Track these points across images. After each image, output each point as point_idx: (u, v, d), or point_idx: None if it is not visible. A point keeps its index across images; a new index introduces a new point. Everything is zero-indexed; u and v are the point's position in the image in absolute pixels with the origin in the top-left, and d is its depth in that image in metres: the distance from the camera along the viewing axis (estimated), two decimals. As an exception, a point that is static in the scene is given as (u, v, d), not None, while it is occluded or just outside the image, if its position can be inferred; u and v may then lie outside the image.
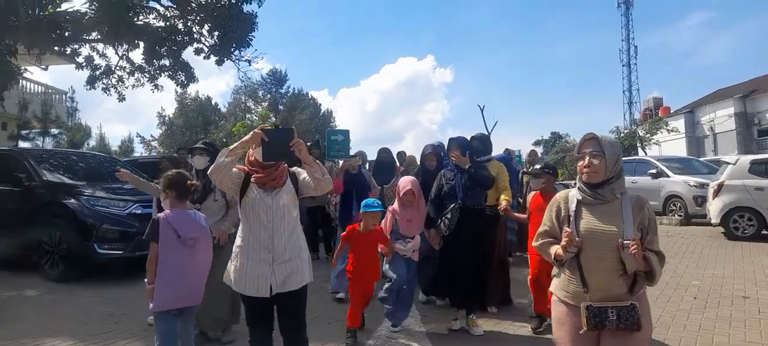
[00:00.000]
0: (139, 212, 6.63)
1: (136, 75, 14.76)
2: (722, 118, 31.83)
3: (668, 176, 12.69)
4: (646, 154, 26.28)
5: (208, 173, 2.88)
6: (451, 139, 4.96)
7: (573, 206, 2.32)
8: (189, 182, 3.27)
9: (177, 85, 15.21)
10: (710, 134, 32.60)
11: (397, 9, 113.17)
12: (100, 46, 14.04)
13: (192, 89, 43.83)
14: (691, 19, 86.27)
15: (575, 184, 2.42)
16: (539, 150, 39.19)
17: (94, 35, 13.26)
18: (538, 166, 4.79)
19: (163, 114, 46.14)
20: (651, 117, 36.44)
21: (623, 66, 47.43)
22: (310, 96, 51.06)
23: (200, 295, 3.22)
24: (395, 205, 4.79)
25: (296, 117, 44.84)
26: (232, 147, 2.84)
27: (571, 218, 2.30)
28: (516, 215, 5.12)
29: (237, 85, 46.66)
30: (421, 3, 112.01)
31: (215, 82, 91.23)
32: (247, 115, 45.04)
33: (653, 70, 79.21)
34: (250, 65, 14.47)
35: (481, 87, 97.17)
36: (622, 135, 32.03)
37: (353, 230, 4.42)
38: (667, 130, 28.99)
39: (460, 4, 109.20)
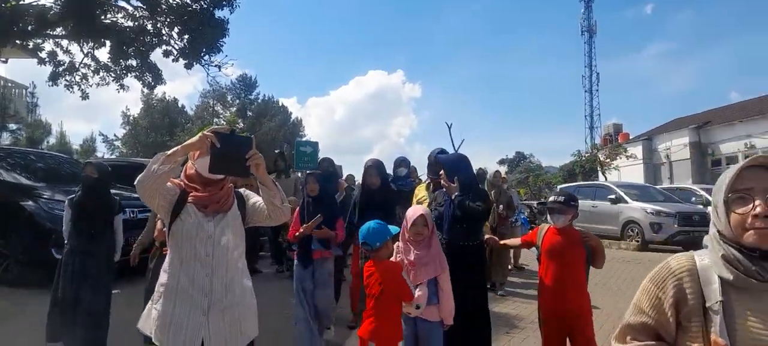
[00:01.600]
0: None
1: (101, 73, 14.46)
2: (678, 146, 32.99)
3: (626, 202, 13.08)
4: (606, 178, 27.04)
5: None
6: (438, 155, 4.22)
7: (716, 292, 1.29)
8: None
9: (144, 87, 14.99)
10: (666, 162, 33.74)
11: (369, 22, 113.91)
12: (64, 43, 13.71)
13: (159, 90, 42.97)
14: (651, 49, 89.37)
15: (706, 244, 1.43)
16: (503, 169, 39.79)
17: (58, 31, 12.95)
18: (560, 197, 3.64)
19: (128, 114, 45.08)
20: (611, 142, 37.54)
21: (586, 92, 48.70)
22: (280, 103, 50.75)
23: None
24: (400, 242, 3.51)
25: (265, 124, 44.47)
26: (170, 152, 2.14)
27: (717, 316, 1.26)
28: (506, 242, 4.40)
29: (205, 89, 46.07)
30: (392, 18, 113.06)
31: (182, 84, 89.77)
32: (215, 119, 44.40)
33: (613, 96, 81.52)
34: (219, 70, 14.37)
35: (449, 104, 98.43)
36: (583, 158, 32.91)
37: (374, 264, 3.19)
38: (626, 156, 29.89)
39: (430, 22, 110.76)
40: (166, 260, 2.34)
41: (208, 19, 12.98)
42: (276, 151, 7.84)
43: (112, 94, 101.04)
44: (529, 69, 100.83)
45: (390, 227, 3.22)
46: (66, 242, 4.18)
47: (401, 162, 6.04)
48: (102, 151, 42.92)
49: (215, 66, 14.24)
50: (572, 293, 3.47)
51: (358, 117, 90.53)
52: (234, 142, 2.15)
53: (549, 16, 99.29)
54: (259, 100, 50.15)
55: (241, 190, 2.53)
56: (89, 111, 79.16)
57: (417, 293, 3.18)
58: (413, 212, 3.46)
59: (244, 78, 49.24)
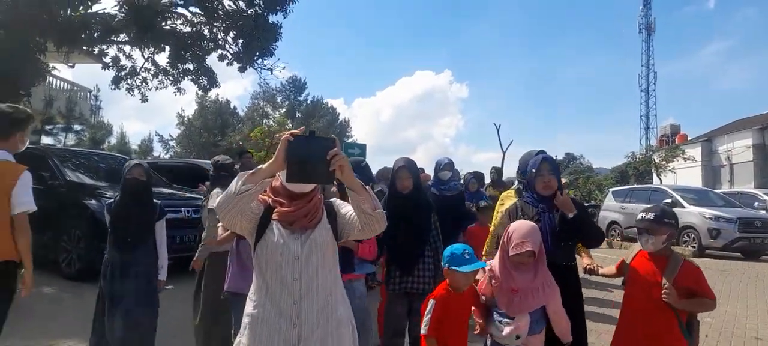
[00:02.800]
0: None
1: (159, 77, 15.09)
2: (740, 148, 31.50)
3: (683, 207, 12.66)
4: (660, 181, 26.08)
5: (216, 206, 2.00)
6: (538, 154, 3.42)
7: None
8: None
9: (199, 89, 15.54)
10: (727, 164, 32.27)
11: (416, 23, 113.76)
12: (126, 48, 14.42)
13: (212, 92, 44.41)
14: (711, 47, 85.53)
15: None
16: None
17: (121, 37, 13.63)
18: (650, 214, 2.88)
19: (183, 115, 46.74)
20: (667, 144, 36.18)
21: (642, 91, 47.13)
22: (328, 104, 51.48)
23: None
24: (495, 261, 2.98)
25: (313, 125, 45.20)
26: (255, 171, 1.90)
27: None
28: (602, 269, 3.27)
29: (256, 90, 47.30)
30: (439, 18, 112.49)
31: (234, 85, 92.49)
32: (265, 120, 45.46)
33: (670, 97, 78.73)
34: (271, 73, 14.73)
35: (497, 104, 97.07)
36: (637, 160, 31.86)
37: (446, 291, 2.85)
38: (684, 159, 28.74)
39: (478, 20, 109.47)
40: (252, 286, 2.10)
41: (262, 24, 13.34)
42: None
43: (166, 96, 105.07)
44: (580, 67, 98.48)
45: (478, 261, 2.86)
46: (105, 253, 3.78)
47: (445, 165, 5.61)
48: (158, 151, 44.71)
49: (267, 69, 14.62)
50: (658, 341, 2.79)
51: (404, 118, 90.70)
52: (314, 144, 1.86)
53: (602, 13, 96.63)
54: (308, 102, 51.03)
55: (332, 200, 2.24)
56: (146, 112, 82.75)
57: (508, 328, 2.78)
58: (522, 228, 2.85)
59: (293, 80, 50.21)
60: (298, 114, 49.04)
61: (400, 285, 3.85)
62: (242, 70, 15.12)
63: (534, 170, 3.25)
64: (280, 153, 1.84)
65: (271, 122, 45.39)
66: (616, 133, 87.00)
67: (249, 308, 2.05)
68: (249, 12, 13.88)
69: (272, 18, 13.79)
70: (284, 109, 49.09)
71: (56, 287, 6.48)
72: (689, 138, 36.43)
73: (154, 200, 3.95)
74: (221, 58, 14.86)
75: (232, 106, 49.93)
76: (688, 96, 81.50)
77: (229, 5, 13.97)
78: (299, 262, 1.99)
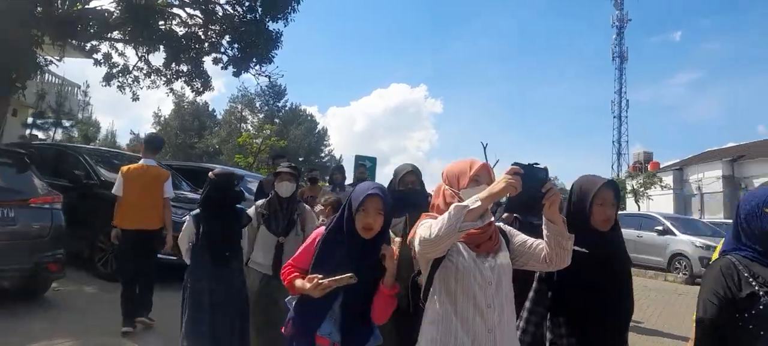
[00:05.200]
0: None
1: (152, 77, 14.75)
2: (710, 179, 32.53)
3: (674, 235, 12.96)
4: (639, 207, 26.72)
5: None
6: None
7: None
8: None
9: (192, 92, 15.23)
10: (698, 194, 33.25)
11: (394, 36, 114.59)
12: (119, 46, 14.05)
13: (190, 93, 43.65)
14: (679, 78, 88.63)
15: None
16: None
17: (116, 34, 13.25)
18: None
19: (160, 114, 45.82)
20: (640, 170, 37.15)
21: (614, 117, 48.42)
22: (306, 112, 51.18)
23: None
24: None
25: (291, 132, 44.82)
26: (474, 205, 1.70)
27: None
28: None
29: (233, 94, 46.67)
30: (417, 32, 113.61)
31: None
32: (242, 125, 44.92)
33: (641, 124, 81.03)
34: (269, 80, 14.50)
35: (471, 122, 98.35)
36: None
37: None
38: (661, 186, 29.54)
39: (456, 39, 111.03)
40: (429, 311, 1.93)
41: (263, 30, 13.16)
42: (334, 166, 7.88)
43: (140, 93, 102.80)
44: (555, 90, 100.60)
45: None
46: (188, 274, 3.64)
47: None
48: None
49: (265, 76, 14.41)
50: None
51: (378, 129, 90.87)
52: (532, 176, 1.76)
53: (577, 41, 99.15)
54: (287, 108, 50.64)
55: (501, 225, 2.10)
56: (118, 108, 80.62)
57: None
58: None
59: (273, 85, 49.68)
60: (276, 120, 48.58)
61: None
62: (237, 74, 14.96)
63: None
64: (506, 188, 1.68)
65: (249, 127, 45.14)
66: (589, 157, 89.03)
67: (430, 333, 1.88)
68: (248, 17, 13.70)
69: (272, 25, 13.62)
70: (262, 115, 48.60)
71: (96, 286, 6.48)
72: (661, 166, 37.50)
73: (239, 207, 3.87)
74: (216, 61, 14.64)
75: (210, 109, 49.21)
76: (656, 124, 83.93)
77: (227, 9, 13.78)
78: (492, 288, 1.86)
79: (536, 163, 1.78)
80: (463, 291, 1.85)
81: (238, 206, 3.81)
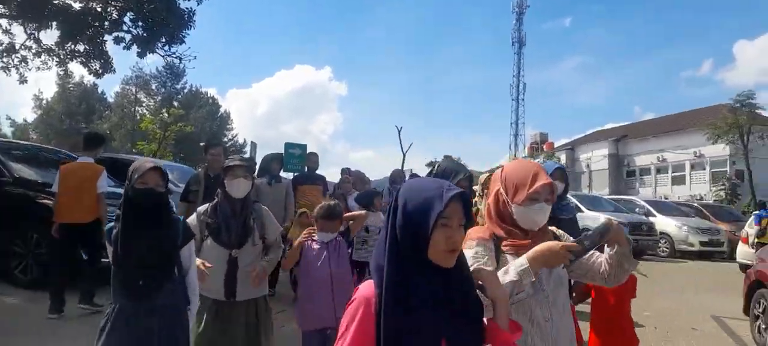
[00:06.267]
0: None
1: (42, 57, 13.37)
2: (598, 157, 35.43)
3: (582, 211, 13.94)
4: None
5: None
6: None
7: None
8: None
9: (90, 74, 14.02)
10: (587, 171, 36.08)
11: (298, 16, 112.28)
12: (4, 21, 12.51)
13: (76, 73, 39.97)
14: (570, 62, 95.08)
15: None
16: (428, 171, 40.57)
17: (0, 8, 11.79)
18: None
19: (41, 97, 41.57)
20: (537, 150, 39.58)
21: (513, 100, 51.02)
22: (208, 95, 48.89)
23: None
24: None
25: (192, 115, 42.58)
26: (539, 265, 1.62)
27: None
28: None
29: (126, 75, 43.35)
30: (322, 13, 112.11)
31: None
32: (138, 108, 41.99)
33: (536, 106, 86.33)
34: (180, 62, 13.65)
35: (377, 104, 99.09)
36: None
37: None
38: (558, 166, 31.72)
39: (362, 22, 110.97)
40: None
41: (173, 9, 12.31)
42: (272, 154, 7.25)
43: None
44: (457, 75, 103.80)
45: None
46: (111, 301, 2.47)
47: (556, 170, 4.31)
48: (8, 138, 39.32)
49: (176, 57, 13.52)
50: None
51: (282, 111, 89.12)
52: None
53: (479, 25, 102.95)
54: (186, 90, 48.03)
55: (555, 230, 1.95)
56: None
57: None
58: None
59: (170, 66, 46.85)
60: (175, 103, 45.96)
61: None
62: (142, 55, 13.98)
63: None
64: (566, 259, 1.62)
65: (145, 111, 42.24)
66: (489, 138, 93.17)
67: None
68: (156, -7, 12.76)
69: (184, 4, 12.78)
70: (160, 98, 45.73)
71: (18, 297, 5.55)
72: (555, 146, 40.18)
73: (174, 216, 2.68)
74: (117, 40, 13.53)
75: (99, 91, 45.42)
76: (550, 106, 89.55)
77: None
78: (548, 300, 1.74)
79: (589, 234, 1.67)
80: (518, 307, 1.70)
81: (172, 214, 2.67)
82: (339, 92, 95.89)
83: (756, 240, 11.27)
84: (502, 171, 1.89)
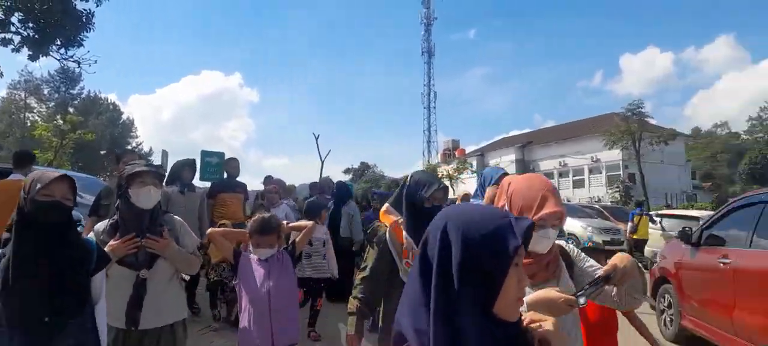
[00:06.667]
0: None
1: None
2: (506, 163, 37.12)
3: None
4: (454, 192, 29.30)
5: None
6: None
7: None
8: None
9: (-28, 78, 12.60)
10: (497, 176, 37.71)
11: (205, 20, 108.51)
12: None
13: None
14: (476, 72, 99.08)
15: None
16: (347, 178, 40.67)
17: None
18: None
19: None
20: (450, 156, 40.81)
21: (424, 108, 52.20)
22: (109, 100, 45.95)
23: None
24: None
25: (91, 122, 39.76)
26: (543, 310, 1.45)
27: None
28: None
29: (13, 79, 39.66)
30: (231, 18, 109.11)
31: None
32: (28, 114, 38.54)
33: (447, 113, 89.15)
34: (79, 66, 12.66)
35: (289, 111, 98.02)
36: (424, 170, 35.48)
37: None
38: (471, 171, 32.82)
39: (273, 27, 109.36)
40: None
41: (69, 10, 11.41)
42: (183, 160, 6.50)
43: None
44: (370, 83, 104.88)
45: None
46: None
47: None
48: None
49: (74, 61, 12.54)
50: None
51: (189, 118, 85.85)
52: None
53: (391, 34, 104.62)
54: (84, 96, 44.80)
55: (563, 245, 1.86)
56: None
57: None
58: None
59: (64, 70, 43.53)
60: (71, 109, 42.71)
61: None
62: (34, 58, 12.78)
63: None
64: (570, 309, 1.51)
65: (36, 117, 38.82)
66: (403, 146, 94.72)
67: None
68: (49, -8, 11.77)
69: (81, 5, 11.92)
70: (53, 103, 42.28)
71: None
72: (467, 152, 41.64)
73: (83, 238, 2.23)
74: (4, 42, 12.34)
75: (-20, 97, 41.19)
76: (459, 114, 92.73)
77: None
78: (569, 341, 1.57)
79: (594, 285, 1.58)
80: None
81: (81, 236, 2.23)
82: (250, 99, 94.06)
83: (631, 236, 12.27)
84: (508, 185, 1.72)
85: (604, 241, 13.82)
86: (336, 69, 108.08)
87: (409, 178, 2.69)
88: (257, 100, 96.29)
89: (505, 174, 3.28)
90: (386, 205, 2.78)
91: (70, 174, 2.54)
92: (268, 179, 7.69)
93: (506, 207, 1.65)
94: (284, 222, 3.42)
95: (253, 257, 2.95)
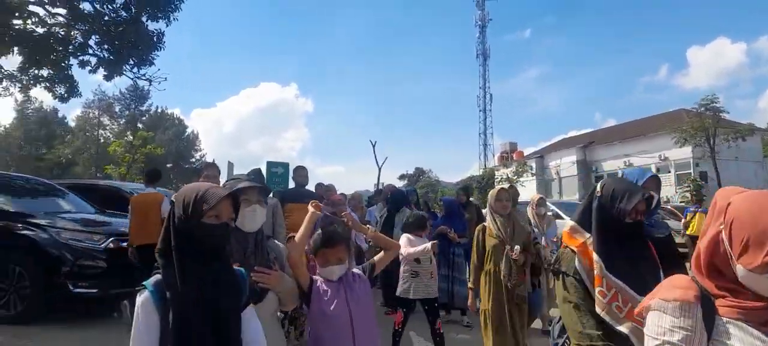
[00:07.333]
0: (113, 246, 5.78)
1: (4, 83, 12.84)
2: (567, 164, 36.05)
3: (562, 219, 14.06)
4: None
5: None
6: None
7: None
8: None
9: (55, 99, 13.49)
10: (557, 178, 36.66)
11: (262, 34, 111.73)
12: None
13: (36, 97, 38.74)
14: (532, 72, 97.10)
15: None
16: (402, 184, 40.62)
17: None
18: None
19: (-3, 123, 40.07)
20: (508, 159, 40.07)
21: (480, 111, 51.56)
22: (175, 116, 48.00)
23: None
24: None
25: (158, 137, 41.69)
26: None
27: None
28: None
29: (88, 99, 42.14)
30: (285, 30, 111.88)
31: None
32: (101, 131, 40.86)
33: (503, 116, 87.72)
34: (150, 84, 13.29)
35: (343, 119, 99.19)
36: (480, 174, 34.95)
37: None
38: (531, 174, 32.13)
39: (324, 37, 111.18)
40: None
41: (142, 31, 12.01)
42: (251, 171, 6.58)
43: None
44: (424, 89, 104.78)
45: None
46: None
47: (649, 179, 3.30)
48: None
49: (146, 79, 13.16)
50: None
51: (248, 130, 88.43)
52: None
53: (442, 37, 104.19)
54: (151, 112, 47.07)
55: None
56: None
57: None
58: None
59: (134, 88, 45.95)
60: (139, 125, 44.98)
61: None
62: (109, 78, 13.55)
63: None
64: None
65: (109, 134, 41.15)
66: (458, 150, 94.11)
67: None
68: (122, 16, 12.44)
69: (153, 25, 12.51)
70: (124, 120, 44.65)
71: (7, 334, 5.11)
72: (525, 154, 40.75)
73: (235, 267, 1.82)
74: (83, 64, 13.12)
75: (59, 115, 44.04)
76: (515, 115, 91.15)
77: (95, 6, 12.37)
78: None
79: None
80: None
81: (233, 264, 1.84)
82: (306, 109, 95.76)
83: (685, 232, 11.61)
84: (728, 206, 1.23)
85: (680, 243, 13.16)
86: (389, 75, 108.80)
87: (600, 188, 2.29)
88: (312, 110, 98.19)
89: (656, 177, 3.01)
90: (571, 223, 2.39)
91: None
92: (319, 186, 7.22)
93: (724, 237, 1.21)
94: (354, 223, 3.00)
95: (319, 279, 2.39)
